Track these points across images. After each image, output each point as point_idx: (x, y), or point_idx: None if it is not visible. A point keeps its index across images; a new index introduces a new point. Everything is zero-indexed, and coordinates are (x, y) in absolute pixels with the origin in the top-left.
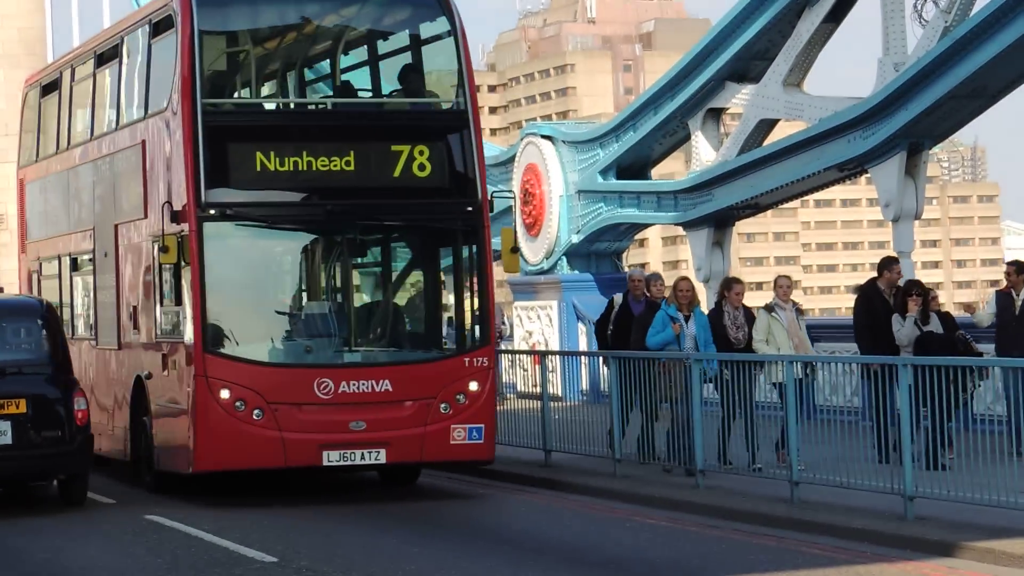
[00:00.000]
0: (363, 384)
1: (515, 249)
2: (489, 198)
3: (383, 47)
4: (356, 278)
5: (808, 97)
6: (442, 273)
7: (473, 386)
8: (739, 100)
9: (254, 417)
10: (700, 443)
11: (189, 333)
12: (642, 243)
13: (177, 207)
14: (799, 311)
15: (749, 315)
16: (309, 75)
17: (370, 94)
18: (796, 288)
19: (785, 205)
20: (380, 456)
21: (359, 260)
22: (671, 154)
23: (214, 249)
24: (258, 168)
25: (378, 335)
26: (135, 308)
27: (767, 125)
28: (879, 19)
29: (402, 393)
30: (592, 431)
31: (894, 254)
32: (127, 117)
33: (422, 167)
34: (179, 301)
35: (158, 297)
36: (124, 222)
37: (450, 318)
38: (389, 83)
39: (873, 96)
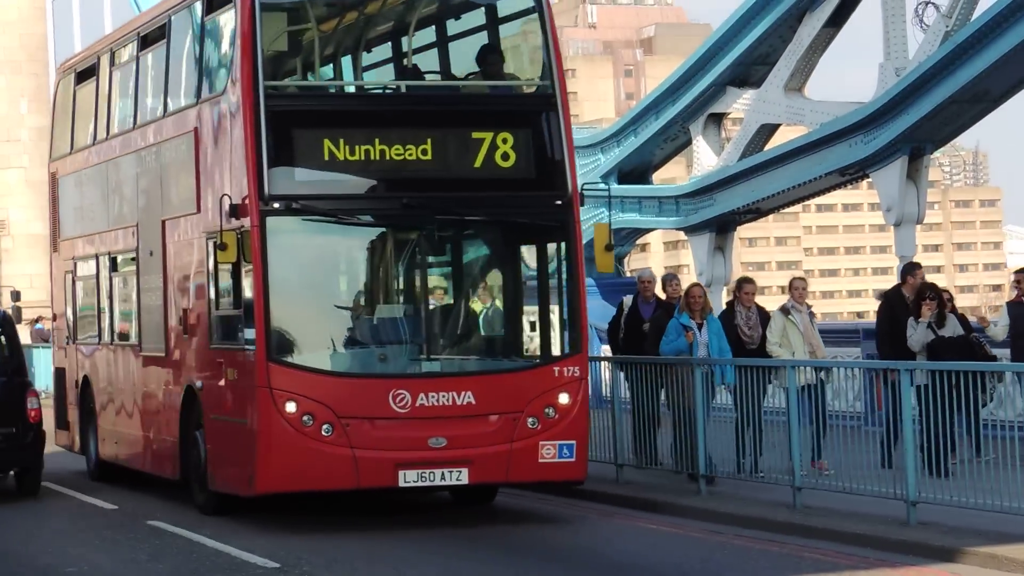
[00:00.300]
0: (443, 396)
1: (610, 246)
2: (580, 190)
3: (461, 25)
4: (434, 278)
5: (809, 102)
6: (529, 273)
7: (564, 398)
8: (740, 105)
9: (323, 433)
10: (703, 448)
11: (250, 339)
12: (644, 248)
13: (236, 200)
14: (812, 315)
15: (763, 315)
16: (378, 55)
17: (447, 76)
18: None
19: (787, 209)
20: (462, 476)
21: (437, 258)
22: (672, 159)
23: (278, 246)
24: (326, 157)
25: (459, 342)
26: (186, 311)
27: (768, 130)
28: (880, 24)
29: (486, 406)
30: (594, 437)
31: (916, 260)
32: (177, 103)
33: (506, 156)
34: (238, 304)
35: (213, 299)
36: (173, 217)
37: (534, 323)
38: (467, 64)
39: (874, 101)
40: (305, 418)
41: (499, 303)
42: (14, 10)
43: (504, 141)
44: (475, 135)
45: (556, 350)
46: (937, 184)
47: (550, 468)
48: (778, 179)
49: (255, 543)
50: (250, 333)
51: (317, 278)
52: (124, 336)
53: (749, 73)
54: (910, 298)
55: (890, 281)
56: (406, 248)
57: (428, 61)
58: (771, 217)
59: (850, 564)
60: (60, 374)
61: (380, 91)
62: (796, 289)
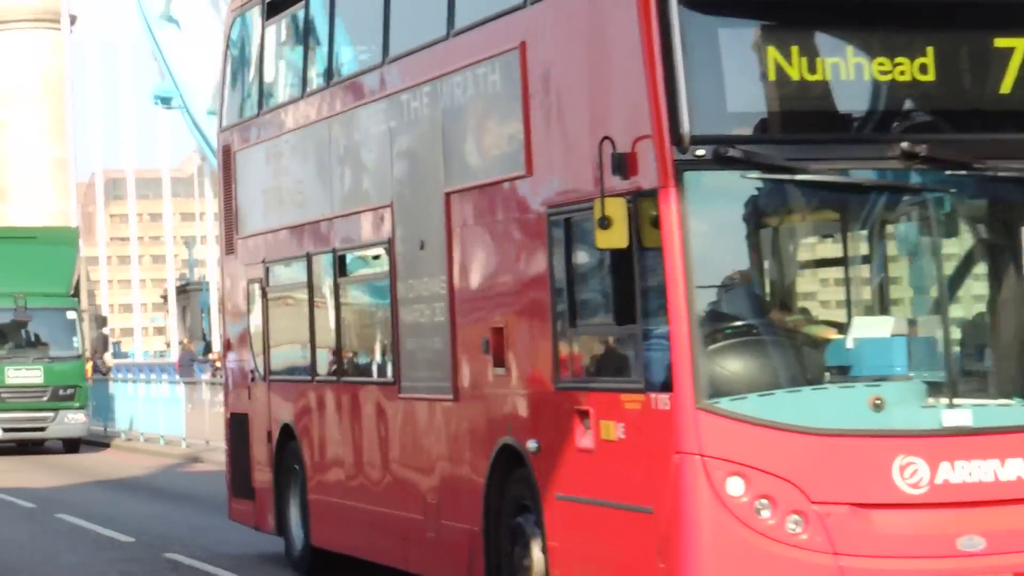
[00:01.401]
0: (979, 467)
1: None
2: None
3: None
4: (949, 273)
5: None
6: None
7: None
8: None
9: (789, 530)
10: None
11: (658, 372)
12: None
13: (623, 147)
14: None
15: None
16: None
17: None
18: None
19: None
20: None
21: (952, 241)
22: None
23: (706, 221)
24: (772, 76)
25: (998, 378)
26: (499, 332)
27: None
28: None
29: None
30: None
31: None
32: (474, 13)
33: None
34: (627, 315)
35: (565, 309)
36: (471, 187)
37: None
38: None
39: None
40: (759, 505)
41: None
42: (31, 43)
43: None
44: (999, 43)
45: None
46: None
47: None
48: None
49: None
50: (657, 362)
51: (766, 272)
52: (366, 369)
53: None
54: None
55: None
56: (903, 222)
57: None
58: None
59: None
60: (239, 422)
61: None
62: None
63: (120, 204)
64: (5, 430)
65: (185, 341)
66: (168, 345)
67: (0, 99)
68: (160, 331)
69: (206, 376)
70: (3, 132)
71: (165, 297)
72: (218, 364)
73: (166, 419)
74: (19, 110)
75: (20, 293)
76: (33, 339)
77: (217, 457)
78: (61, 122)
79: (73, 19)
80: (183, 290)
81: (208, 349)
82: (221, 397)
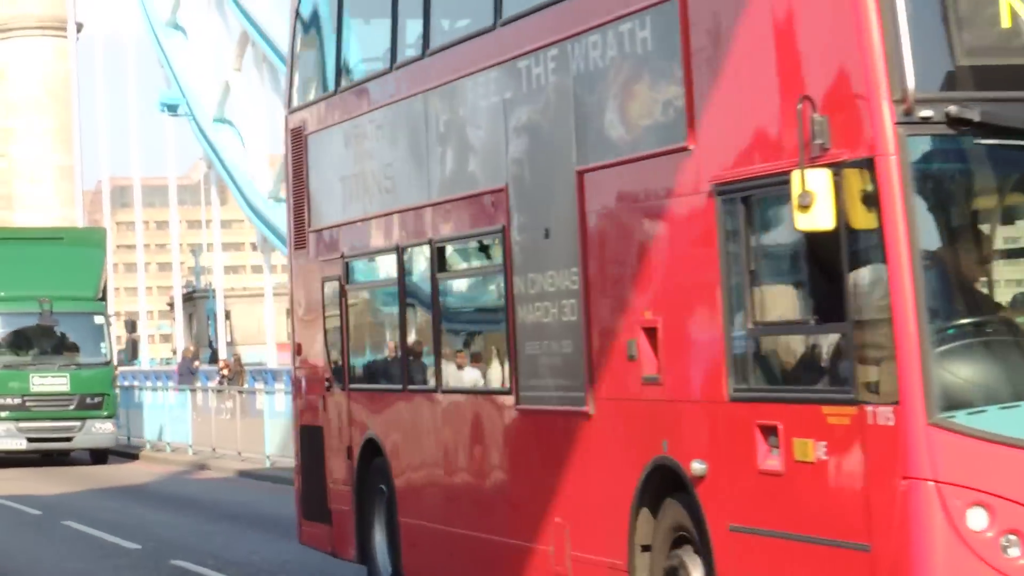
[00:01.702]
0: None
1: None
2: None
3: None
4: None
5: None
6: None
7: None
8: None
9: None
10: None
11: (876, 379)
12: None
13: (826, 110)
14: None
15: None
16: None
17: None
18: None
19: None
20: None
21: None
22: None
23: (934, 196)
24: (1009, 23)
25: None
26: (653, 331)
27: None
28: None
29: None
30: None
31: None
32: None
33: None
34: (833, 311)
35: (745, 303)
36: (611, 164)
37: None
38: None
39: None
40: (1007, 541)
41: None
42: (36, 49)
43: None
44: None
45: None
46: None
47: None
48: None
49: None
50: (876, 368)
51: (1004, 259)
52: (472, 376)
53: None
54: None
55: None
56: None
57: None
58: None
59: None
60: (311, 436)
61: None
62: None
63: (127, 212)
64: (30, 440)
65: (190, 347)
66: (174, 352)
67: (6, 107)
68: (167, 338)
69: (212, 384)
70: (9, 139)
71: (171, 304)
72: (224, 372)
73: (172, 426)
74: (25, 118)
75: (46, 296)
76: (59, 345)
77: (224, 464)
78: (67, 130)
79: (79, 26)
80: (189, 297)
81: (215, 357)
82: (228, 404)
